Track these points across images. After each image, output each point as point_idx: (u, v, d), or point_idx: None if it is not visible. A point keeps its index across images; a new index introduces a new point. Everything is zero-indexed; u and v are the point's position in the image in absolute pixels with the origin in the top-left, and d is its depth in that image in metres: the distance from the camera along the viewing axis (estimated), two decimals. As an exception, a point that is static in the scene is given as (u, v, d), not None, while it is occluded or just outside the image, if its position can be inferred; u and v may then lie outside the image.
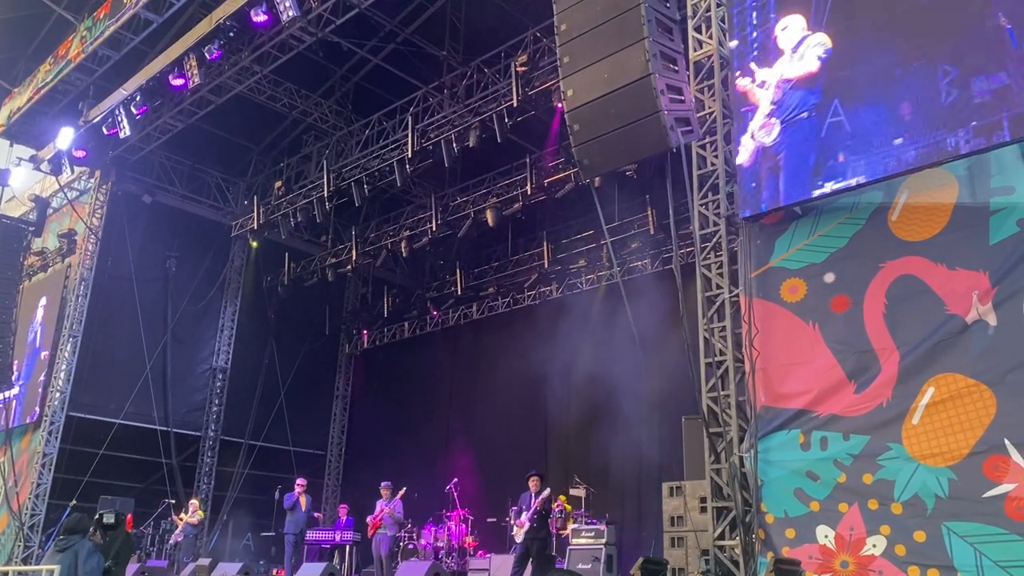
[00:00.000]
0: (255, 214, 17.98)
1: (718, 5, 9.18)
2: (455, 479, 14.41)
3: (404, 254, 17.69)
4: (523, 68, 13.44)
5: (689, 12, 9.35)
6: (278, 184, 17.96)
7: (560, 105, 11.28)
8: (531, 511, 10.02)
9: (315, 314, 20.32)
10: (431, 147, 14.96)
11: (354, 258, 18.27)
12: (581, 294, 16.73)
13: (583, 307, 16.01)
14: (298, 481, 13.72)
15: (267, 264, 19.69)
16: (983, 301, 6.92)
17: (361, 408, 21.16)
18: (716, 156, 8.89)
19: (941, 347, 7.08)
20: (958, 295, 7.04)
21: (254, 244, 19.56)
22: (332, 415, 21.09)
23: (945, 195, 7.37)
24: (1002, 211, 7.05)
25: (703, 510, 8.98)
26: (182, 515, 14.95)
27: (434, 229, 16.73)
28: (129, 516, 12.81)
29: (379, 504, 12.85)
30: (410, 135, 15.09)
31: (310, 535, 13.93)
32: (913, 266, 7.38)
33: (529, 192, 15.15)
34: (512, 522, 10.79)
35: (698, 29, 9.32)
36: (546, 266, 16.91)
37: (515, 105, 13.50)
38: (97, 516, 8.46)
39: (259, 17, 12.48)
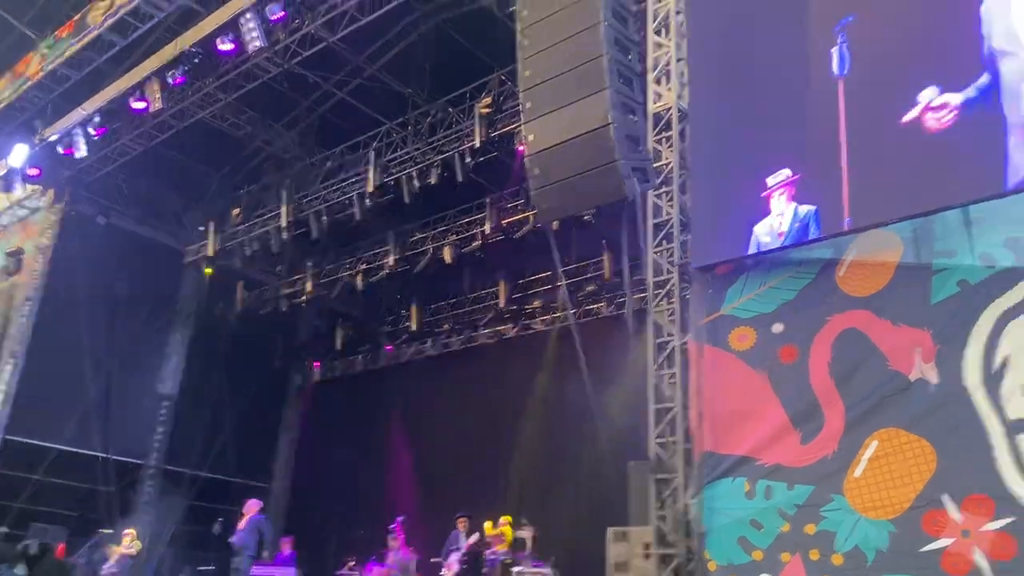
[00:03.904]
0: (210, 241, 17.78)
1: (678, 60, 9.42)
2: (401, 517, 14.20)
3: (360, 287, 17.60)
4: (487, 110, 13.63)
5: (650, 65, 9.57)
6: (236, 212, 17.82)
7: (522, 148, 11.44)
8: (460, 552, 9.95)
9: (267, 344, 20.05)
10: (392, 183, 15.03)
11: (309, 289, 18.13)
12: (536, 335, 16.79)
13: (537, 348, 16.05)
14: (252, 502, 13.35)
15: (220, 292, 19.38)
16: (925, 359, 7.10)
17: (309, 441, 20.81)
18: (672, 206, 9.05)
19: (884, 402, 7.24)
20: (901, 351, 7.23)
21: (208, 271, 19.28)
22: (279, 448, 20.71)
23: (890, 254, 7.59)
24: (944, 272, 7.27)
25: (647, 556, 8.98)
26: (117, 546, 14.47)
27: (392, 264, 16.72)
28: (61, 545, 12.38)
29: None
30: (372, 170, 15.13)
31: (253, 570, 13.59)
32: (858, 320, 7.56)
33: (488, 232, 15.25)
34: (442, 562, 10.69)
35: (658, 81, 9.55)
36: (502, 305, 16.96)
37: (478, 146, 13.66)
38: (21, 546, 8.16)
39: (225, 46, 12.49)
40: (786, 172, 8.04)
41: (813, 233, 7.87)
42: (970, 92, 7.02)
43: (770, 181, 8.13)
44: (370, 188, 15.12)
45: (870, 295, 7.57)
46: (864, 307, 7.55)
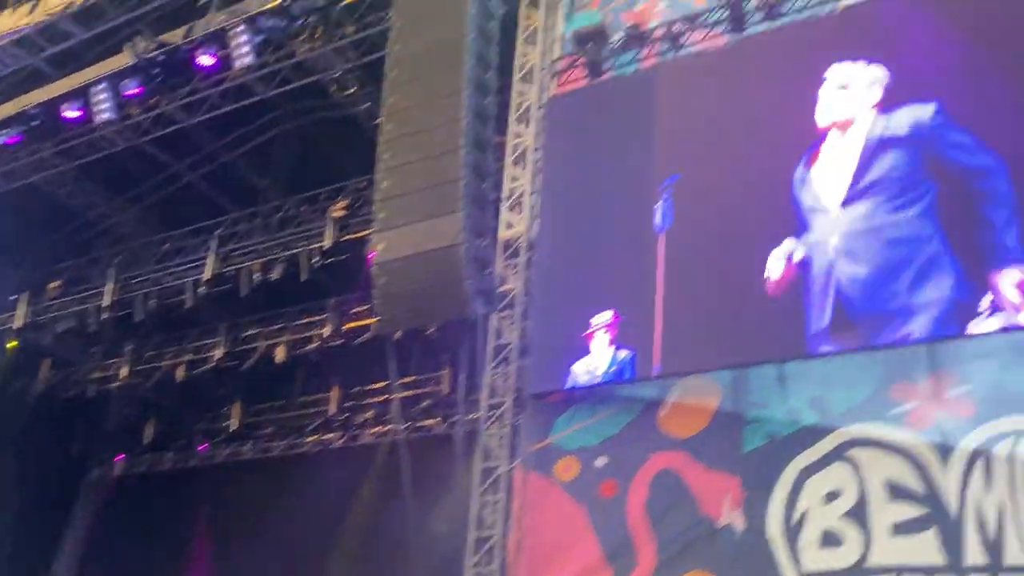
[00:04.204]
0: (20, 312, 16.35)
1: (532, 192, 9.81)
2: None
3: (180, 379, 16.57)
4: (341, 213, 13.60)
5: (505, 193, 9.91)
6: (54, 284, 16.55)
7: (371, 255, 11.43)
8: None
9: (66, 431, 18.31)
10: (232, 273, 14.52)
11: (124, 375, 16.85)
12: (364, 447, 16.26)
13: (364, 460, 15.50)
14: None
15: (22, 368, 17.70)
16: (734, 506, 7.41)
17: (101, 541, 18.85)
18: (513, 330, 9.21)
19: (694, 544, 7.45)
20: (712, 496, 7.51)
21: (11, 344, 17.61)
22: (62, 546, 18.63)
23: (710, 400, 8.00)
24: (756, 423, 7.72)
25: None
26: None
27: (219, 357, 15.89)
28: None
29: None
30: (211, 257, 14.58)
31: None
32: (676, 461, 7.85)
33: (326, 335, 14.88)
34: None
35: (512, 210, 9.86)
36: (332, 412, 16.40)
37: (327, 247, 13.52)
38: None
39: (71, 113, 11.93)
40: (609, 314, 8.44)
41: (627, 377, 8.26)
42: (786, 251, 7.69)
43: (594, 320, 8.49)
44: (207, 276, 14.52)
45: (688, 437, 7.90)
46: (682, 449, 7.85)
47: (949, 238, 7.04)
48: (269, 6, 11.45)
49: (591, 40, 10.15)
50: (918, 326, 6.96)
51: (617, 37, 10.22)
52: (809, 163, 7.97)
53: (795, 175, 7.99)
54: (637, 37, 10.05)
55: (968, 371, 7.01)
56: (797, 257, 7.69)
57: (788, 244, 7.74)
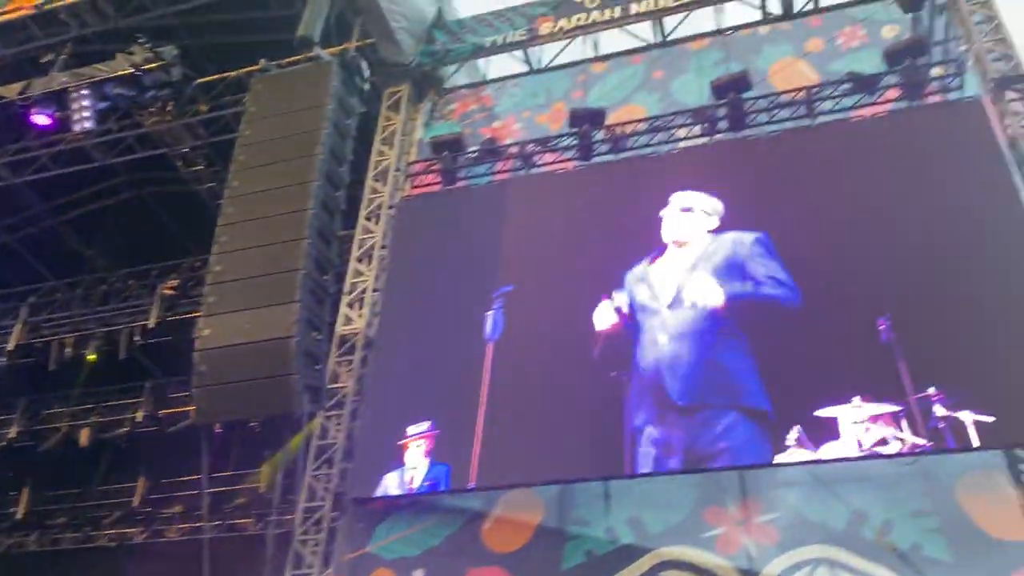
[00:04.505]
0: None
1: (375, 290, 9.72)
2: None
3: (-37, 457, 14.86)
4: (171, 292, 12.94)
5: (346, 288, 9.77)
6: None
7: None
8: None
9: None
10: (40, 345, 13.37)
11: None
12: (168, 543, 15.00)
13: (165, 559, 14.29)
14: None
15: None
16: (548, 624, 7.31)
17: None
18: (339, 430, 8.89)
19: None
20: (527, 614, 7.39)
21: None
22: None
23: (532, 515, 7.98)
24: (577, 539, 7.74)
25: None
26: None
27: (13, 436, 14.41)
28: None
29: None
30: (19, 326, 13.41)
31: None
32: (494, 576, 7.70)
33: (139, 419, 13.87)
34: None
35: (351, 306, 9.71)
36: (135, 504, 15.10)
37: (150, 326, 12.76)
38: None
39: None
40: (426, 424, 8.32)
41: (442, 489, 8.09)
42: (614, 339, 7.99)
43: (410, 430, 8.34)
44: (11, 346, 13.31)
45: (508, 552, 7.80)
46: (501, 564, 7.73)
47: (760, 371, 7.46)
48: (119, 73, 11.04)
49: (447, 148, 10.43)
50: (730, 453, 7.25)
51: (473, 149, 10.54)
52: (651, 262, 8.40)
53: (633, 271, 8.38)
54: (492, 151, 10.41)
55: (774, 499, 7.38)
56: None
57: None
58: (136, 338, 12.96)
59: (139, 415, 13.91)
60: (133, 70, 10.82)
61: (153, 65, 10.90)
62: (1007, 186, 7.56)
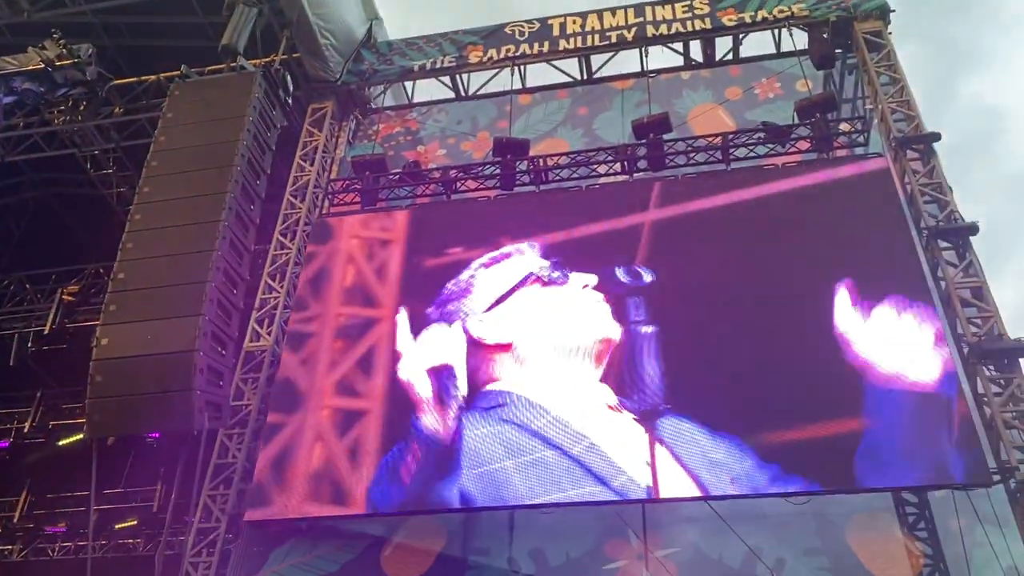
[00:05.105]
0: None
1: (285, 307, 9.51)
2: None
3: None
4: (71, 298, 12.40)
5: (256, 304, 9.52)
6: None
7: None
8: None
9: None
10: (-81, 348, 12.62)
11: None
12: (51, 562, 14.21)
13: (51, 573, 13.53)
14: None
15: None
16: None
17: None
18: (240, 450, 8.61)
19: None
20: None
21: None
22: None
23: (434, 543, 7.89)
24: (477, 569, 7.69)
25: None
26: None
27: None
28: None
29: None
30: None
31: None
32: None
33: (27, 430, 13.19)
34: None
35: (260, 322, 9.47)
36: (15, 520, 14.28)
37: (46, 332, 12.18)
38: None
39: None
40: None
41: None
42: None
43: None
44: None
45: (408, 581, 7.67)
46: (399, 593, 7.59)
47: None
48: (30, 68, 10.59)
49: (369, 168, 10.32)
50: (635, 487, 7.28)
51: (395, 171, 10.48)
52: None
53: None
54: (415, 175, 10.36)
55: (674, 535, 7.48)
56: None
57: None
58: (29, 344, 12.34)
59: (25, 426, 13.23)
60: (45, 65, 10.38)
61: (67, 62, 10.50)
62: (904, 240, 7.91)
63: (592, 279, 8.08)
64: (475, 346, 7.95)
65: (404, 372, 8.06)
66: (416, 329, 8.31)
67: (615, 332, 7.73)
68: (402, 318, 8.45)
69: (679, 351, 7.50)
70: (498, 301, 8.18)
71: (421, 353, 8.13)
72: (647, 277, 7.98)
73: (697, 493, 6.80)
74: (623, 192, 9.25)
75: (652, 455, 6.98)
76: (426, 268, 8.84)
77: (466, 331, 8.08)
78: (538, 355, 7.77)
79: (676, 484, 6.82)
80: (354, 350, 8.43)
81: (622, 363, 7.57)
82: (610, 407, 7.36)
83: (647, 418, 7.15)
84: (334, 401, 8.16)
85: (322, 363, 8.45)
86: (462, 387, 7.73)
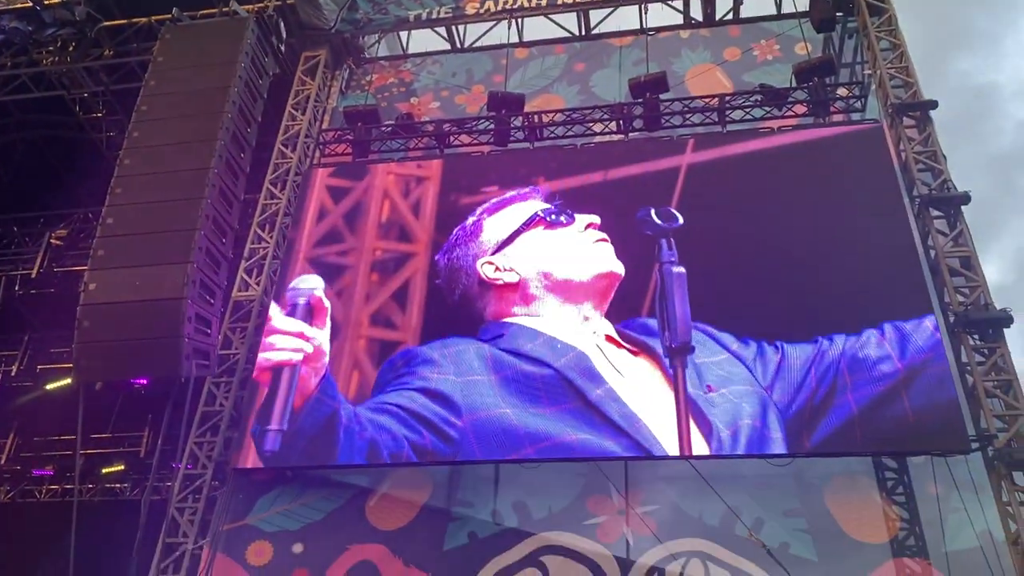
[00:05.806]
0: None
1: (275, 258, 9.48)
2: None
3: None
4: (59, 242, 12.31)
5: (245, 253, 9.49)
6: None
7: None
8: None
9: None
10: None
11: None
12: (37, 505, 14.30)
13: (36, 516, 13.64)
14: None
15: None
16: (426, 604, 7.32)
17: None
18: (227, 398, 8.65)
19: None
20: (405, 593, 7.38)
21: None
22: None
23: (419, 494, 7.97)
24: (460, 520, 7.78)
25: None
26: None
27: None
28: None
29: None
30: None
31: None
32: (375, 554, 7.66)
33: (14, 373, 13.18)
34: None
35: (249, 272, 9.44)
36: (3, 463, 14.35)
37: (34, 276, 12.11)
38: None
39: None
40: None
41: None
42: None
43: None
44: None
45: (391, 531, 7.78)
46: (383, 542, 7.70)
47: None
48: (17, 6, 10.39)
49: (361, 119, 10.21)
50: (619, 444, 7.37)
51: (388, 123, 10.37)
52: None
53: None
54: (407, 127, 10.25)
55: (655, 492, 7.59)
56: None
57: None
58: (16, 288, 12.28)
59: (13, 369, 13.23)
60: (33, 4, 10.17)
61: (56, 1, 10.30)
62: (897, 208, 7.93)
63: (595, 218, 8.06)
64: (483, 287, 7.97)
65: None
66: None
67: (619, 268, 7.78)
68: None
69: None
70: (505, 243, 8.13)
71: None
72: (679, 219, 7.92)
73: (697, 433, 6.94)
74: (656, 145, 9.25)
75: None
76: (462, 205, 8.90)
77: (476, 272, 8.08)
78: (543, 292, 7.79)
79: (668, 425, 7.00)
80: (389, 284, 8.59)
81: (645, 300, 7.76)
82: (608, 338, 7.55)
83: (677, 353, 7.18)
84: (371, 332, 8.34)
85: (358, 295, 8.59)
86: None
